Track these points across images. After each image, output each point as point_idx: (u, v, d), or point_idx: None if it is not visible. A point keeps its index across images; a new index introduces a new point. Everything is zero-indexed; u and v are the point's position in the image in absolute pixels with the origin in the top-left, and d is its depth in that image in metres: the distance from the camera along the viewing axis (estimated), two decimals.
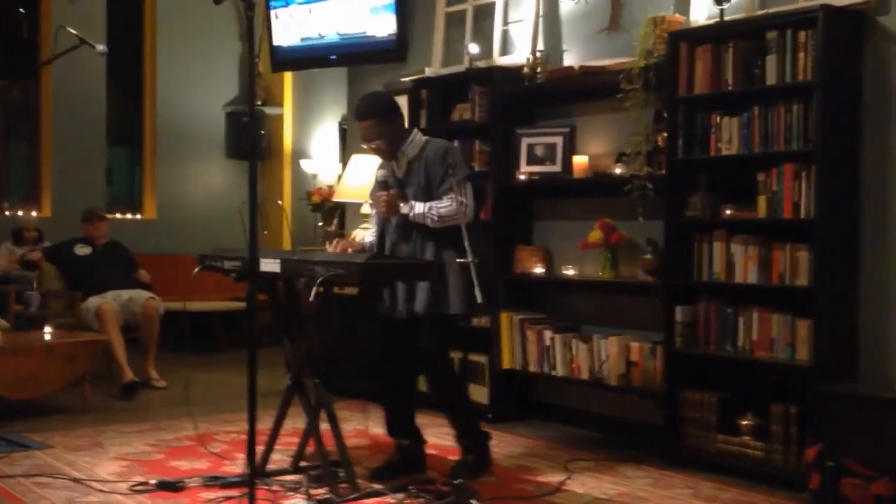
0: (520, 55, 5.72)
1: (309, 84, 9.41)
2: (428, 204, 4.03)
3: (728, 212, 4.45)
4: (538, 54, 5.49)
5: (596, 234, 5.07)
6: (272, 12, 7.20)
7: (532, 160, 5.46)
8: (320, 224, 8.45)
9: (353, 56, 6.81)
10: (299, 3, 7.04)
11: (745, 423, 4.34)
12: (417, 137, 4.19)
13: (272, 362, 6.49)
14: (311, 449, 4.10)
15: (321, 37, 6.90)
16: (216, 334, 8.49)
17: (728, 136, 4.42)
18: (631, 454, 4.71)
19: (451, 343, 4.46)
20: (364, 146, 4.34)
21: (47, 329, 5.85)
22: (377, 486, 3.95)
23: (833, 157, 4.12)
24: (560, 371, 5.23)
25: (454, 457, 4.33)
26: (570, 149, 5.37)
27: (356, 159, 6.44)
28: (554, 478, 4.25)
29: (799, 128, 4.15)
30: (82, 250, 6.94)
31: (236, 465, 4.30)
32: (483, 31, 6.10)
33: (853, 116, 4.23)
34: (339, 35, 6.79)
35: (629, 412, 5.13)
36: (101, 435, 5.00)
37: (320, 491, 3.83)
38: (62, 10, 8.30)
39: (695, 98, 4.54)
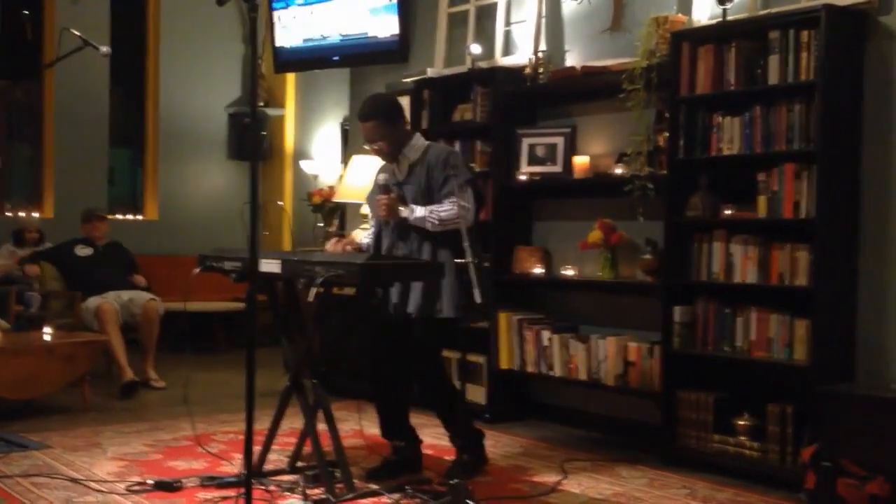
0: (522, 55, 5.72)
1: (311, 85, 9.41)
2: (428, 208, 4.04)
3: (728, 212, 4.44)
4: (540, 55, 5.49)
5: (595, 235, 5.07)
6: (275, 13, 7.22)
7: (533, 160, 5.46)
8: (321, 225, 8.45)
9: (355, 57, 6.82)
10: (299, 5, 7.05)
11: (741, 423, 4.33)
12: (419, 141, 4.21)
13: (271, 363, 6.51)
14: (308, 449, 4.10)
15: (323, 38, 6.91)
16: (216, 335, 8.50)
17: (729, 136, 4.42)
18: (628, 454, 4.71)
19: (444, 344, 4.46)
20: (366, 147, 4.34)
21: (47, 329, 5.85)
22: (373, 487, 3.95)
23: (834, 158, 4.11)
24: (558, 371, 5.22)
25: (450, 457, 4.32)
26: (571, 149, 5.37)
27: (357, 160, 6.44)
28: (550, 478, 4.24)
29: (800, 128, 4.14)
30: (83, 251, 6.94)
31: (233, 466, 4.29)
32: (485, 32, 6.10)
33: (854, 116, 4.22)
34: (342, 36, 6.80)
35: (626, 412, 5.12)
36: (100, 435, 5.00)
37: (317, 491, 3.82)
38: (66, 12, 8.31)
39: (697, 98, 4.54)
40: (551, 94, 5.52)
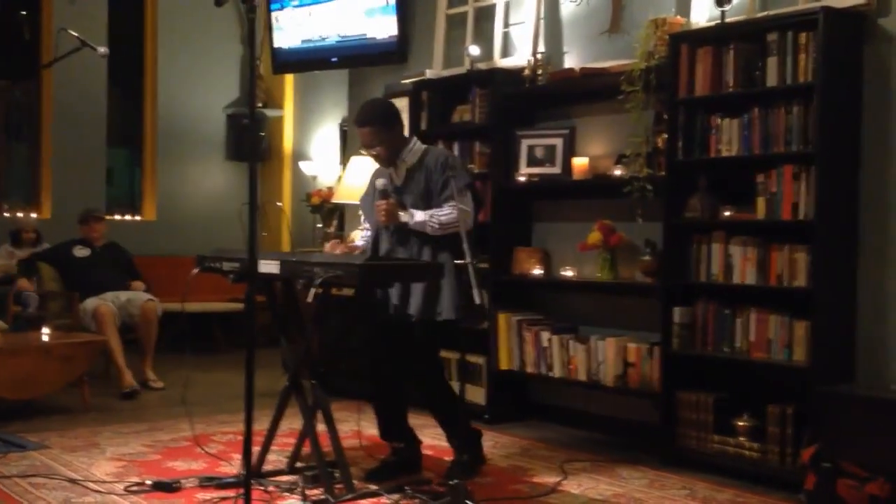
0: (520, 57, 5.72)
1: (309, 86, 9.41)
2: (428, 212, 4.05)
3: (727, 213, 4.45)
4: (539, 56, 5.50)
5: (595, 236, 5.07)
6: (273, 14, 7.22)
7: (532, 162, 5.46)
8: (320, 226, 8.45)
9: (353, 58, 6.82)
10: (295, 6, 7.05)
11: (741, 423, 4.34)
12: (417, 145, 4.21)
13: (270, 363, 6.50)
14: (307, 450, 4.10)
15: (322, 39, 6.91)
16: (215, 335, 8.49)
17: (728, 138, 4.42)
18: (627, 455, 4.71)
19: (443, 345, 4.47)
20: (364, 152, 4.34)
21: (45, 330, 5.84)
22: (373, 487, 3.95)
23: (832, 159, 4.12)
24: (557, 372, 5.22)
25: (450, 457, 4.32)
26: (570, 150, 5.37)
27: (356, 161, 6.44)
28: (550, 479, 4.24)
29: (799, 129, 4.15)
30: (81, 252, 6.93)
31: (232, 466, 4.29)
32: (484, 33, 6.10)
33: (853, 118, 4.22)
34: (340, 37, 6.80)
35: (626, 413, 5.12)
36: (98, 435, 5.00)
37: (316, 492, 3.82)
38: (63, 12, 8.30)
39: (695, 100, 4.54)
40: (550, 96, 5.52)
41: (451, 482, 3.57)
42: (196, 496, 3.86)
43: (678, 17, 4.84)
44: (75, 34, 4.58)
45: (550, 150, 5.43)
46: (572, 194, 5.48)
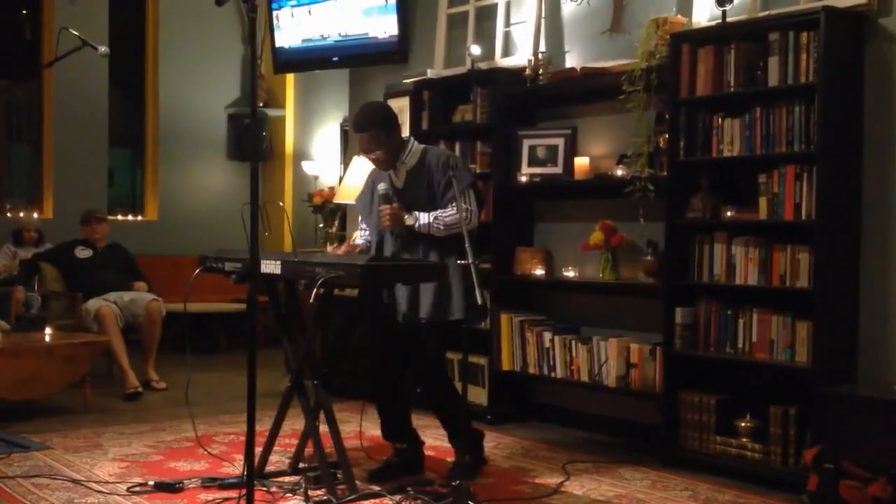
0: (521, 57, 5.72)
1: (311, 86, 9.41)
2: (433, 214, 4.04)
3: (729, 213, 4.45)
4: (540, 56, 5.49)
5: (597, 236, 5.07)
6: (274, 14, 7.21)
7: (533, 161, 5.46)
8: (321, 226, 8.45)
9: (354, 57, 6.82)
10: (293, 6, 7.04)
11: (743, 424, 4.34)
12: (415, 146, 4.20)
13: (272, 363, 6.51)
14: (309, 450, 4.10)
15: (323, 38, 6.91)
16: (216, 335, 8.49)
17: (730, 138, 4.42)
18: (630, 456, 4.71)
19: (449, 346, 4.47)
20: (364, 157, 4.32)
21: (48, 330, 5.85)
22: (375, 488, 3.95)
23: (834, 159, 4.11)
24: (559, 373, 5.22)
25: (452, 458, 4.32)
26: (572, 150, 5.37)
27: (357, 161, 6.43)
28: (552, 479, 4.24)
29: (800, 129, 4.14)
30: (83, 252, 6.93)
31: (235, 467, 4.29)
32: (485, 33, 6.09)
33: (855, 118, 4.22)
34: (341, 36, 6.80)
35: (628, 414, 5.12)
36: (101, 436, 5.00)
37: (318, 492, 3.83)
38: (64, 12, 8.30)
39: (696, 100, 4.54)
40: (551, 96, 5.52)
41: (453, 483, 3.57)
42: (198, 497, 3.86)
43: (679, 16, 4.84)
44: (76, 34, 4.58)
45: (552, 150, 5.42)
46: (574, 194, 5.48)
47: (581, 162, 5.27)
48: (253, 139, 3.26)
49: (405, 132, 4.94)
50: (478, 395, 5.54)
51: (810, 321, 4.08)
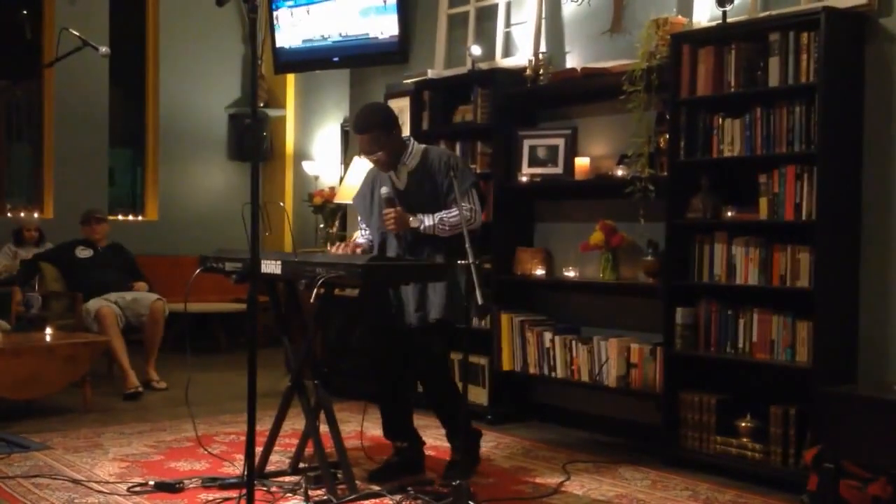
0: (522, 57, 5.72)
1: (311, 86, 9.41)
2: (437, 215, 4.04)
3: (729, 213, 4.45)
4: (540, 56, 5.49)
5: (597, 236, 5.07)
6: (274, 14, 7.21)
7: (534, 162, 5.46)
8: (322, 226, 8.45)
9: (355, 58, 6.82)
10: (290, 6, 7.04)
11: (743, 424, 4.34)
12: (415, 147, 4.20)
13: (272, 363, 6.51)
14: (309, 450, 4.10)
15: (323, 38, 6.91)
16: (217, 335, 8.50)
17: (730, 138, 4.42)
18: (630, 456, 4.71)
19: (452, 346, 4.47)
20: (365, 158, 4.32)
21: (48, 330, 5.85)
22: (375, 488, 3.95)
23: (835, 159, 4.12)
24: (560, 373, 5.22)
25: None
26: (572, 150, 5.37)
27: (357, 161, 6.43)
28: (552, 479, 4.25)
29: (801, 129, 4.14)
30: (83, 252, 6.93)
31: (235, 467, 4.29)
32: (485, 33, 6.10)
33: (855, 118, 4.22)
34: (341, 37, 6.80)
35: (628, 414, 5.12)
36: (101, 436, 5.00)
37: (319, 492, 3.83)
38: (64, 12, 8.31)
39: (697, 100, 4.54)
40: (552, 96, 5.52)
41: (454, 483, 3.57)
42: (199, 497, 3.87)
43: (680, 16, 4.84)
44: (77, 34, 4.58)
45: (552, 150, 5.42)
46: (574, 194, 5.48)
47: (581, 162, 5.27)
48: (253, 139, 3.26)
49: (405, 132, 4.94)
50: (478, 395, 5.54)
51: (810, 321, 4.08)
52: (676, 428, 4.56)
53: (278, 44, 7.25)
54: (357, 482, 3.89)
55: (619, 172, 4.98)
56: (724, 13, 4.48)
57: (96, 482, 4.05)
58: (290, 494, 3.86)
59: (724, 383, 4.53)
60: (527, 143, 5.49)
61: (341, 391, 5.57)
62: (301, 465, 4.19)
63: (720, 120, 4.45)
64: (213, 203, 9.34)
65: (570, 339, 5.18)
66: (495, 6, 6.02)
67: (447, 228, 4.03)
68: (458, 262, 3.95)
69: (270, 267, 3.91)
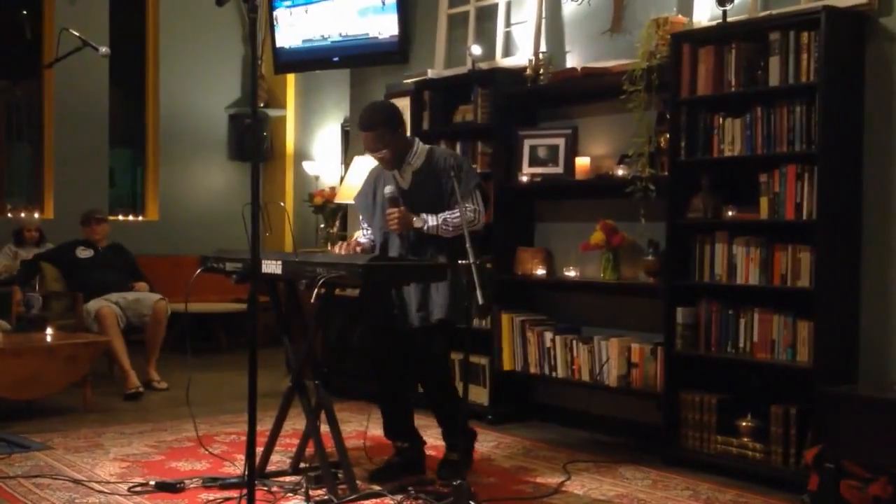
0: (522, 57, 5.72)
1: (311, 86, 9.41)
2: (441, 216, 4.04)
3: (730, 213, 4.45)
4: (541, 56, 5.49)
5: (597, 236, 5.07)
6: (274, 14, 7.22)
7: (534, 161, 5.46)
8: (322, 226, 8.45)
9: (355, 58, 6.82)
10: (287, 6, 7.04)
11: (744, 424, 4.34)
12: (420, 147, 4.19)
13: (273, 363, 6.51)
14: (310, 450, 4.10)
15: (323, 38, 6.91)
16: (217, 335, 8.50)
17: (730, 138, 4.42)
18: (630, 455, 4.71)
19: (452, 346, 4.47)
20: (370, 156, 4.32)
21: (49, 330, 5.85)
22: (376, 488, 3.95)
23: (835, 159, 4.12)
24: (560, 372, 5.22)
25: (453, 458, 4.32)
26: (573, 150, 5.37)
27: (358, 161, 6.43)
28: (553, 479, 4.25)
29: (801, 129, 4.14)
30: (84, 253, 6.93)
31: (236, 467, 4.29)
32: (485, 33, 6.10)
33: (855, 118, 4.22)
34: (342, 37, 6.80)
35: (629, 413, 5.12)
36: (102, 436, 5.00)
37: (319, 492, 3.83)
38: (64, 12, 8.31)
39: (697, 99, 4.54)
40: (552, 96, 5.52)
41: (454, 483, 3.57)
42: (199, 497, 3.87)
43: (680, 16, 4.84)
44: (77, 34, 4.58)
45: (553, 149, 5.42)
46: (575, 194, 5.48)
47: (582, 162, 5.27)
48: (253, 139, 3.26)
49: (407, 132, 4.93)
50: (479, 395, 5.54)
51: (811, 321, 4.08)
52: (677, 428, 4.56)
53: (278, 44, 7.25)
54: (358, 482, 3.89)
55: (620, 172, 4.98)
56: (725, 13, 4.48)
57: (97, 482, 4.05)
58: (290, 494, 3.86)
59: (725, 383, 4.53)
60: (527, 143, 5.49)
61: (342, 391, 5.57)
62: (302, 465, 4.19)
63: (720, 119, 4.45)
64: (214, 203, 9.34)
65: (571, 339, 5.18)
66: (495, 6, 6.02)
67: (451, 229, 4.02)
68: (460, 261, 3.95)
69: (271, 267, 3.91)
